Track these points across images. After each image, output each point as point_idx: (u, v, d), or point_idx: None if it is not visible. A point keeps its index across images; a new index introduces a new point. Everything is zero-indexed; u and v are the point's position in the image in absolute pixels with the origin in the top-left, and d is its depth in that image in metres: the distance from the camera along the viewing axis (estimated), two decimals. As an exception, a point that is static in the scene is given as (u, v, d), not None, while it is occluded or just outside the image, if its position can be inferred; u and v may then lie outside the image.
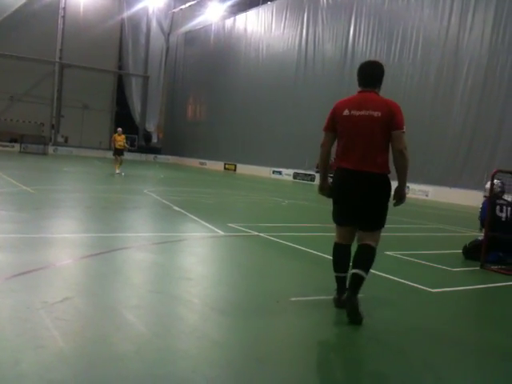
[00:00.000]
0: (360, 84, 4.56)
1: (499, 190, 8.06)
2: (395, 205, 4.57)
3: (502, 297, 6.17)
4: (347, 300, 4.35)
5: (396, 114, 4.31)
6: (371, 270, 6.31)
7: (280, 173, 32.14)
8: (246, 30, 38.07)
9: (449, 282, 6.60)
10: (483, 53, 21.69)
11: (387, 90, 23.97)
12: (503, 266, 7.24)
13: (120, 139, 21.71)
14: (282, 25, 34.17)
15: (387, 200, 4.45)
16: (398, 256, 7.66)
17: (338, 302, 4.61)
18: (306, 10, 31.88)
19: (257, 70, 36.06)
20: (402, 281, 6.02)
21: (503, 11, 21.14)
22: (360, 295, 5.12)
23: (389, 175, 4.44)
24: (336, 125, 4.50)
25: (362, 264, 4.41)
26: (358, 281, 4.38)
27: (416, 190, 23.76)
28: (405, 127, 4.33)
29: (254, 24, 37.13)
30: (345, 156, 4.43)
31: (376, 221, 4.46)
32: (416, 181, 23.78)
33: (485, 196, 8.25)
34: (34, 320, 3.75)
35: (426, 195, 23.26)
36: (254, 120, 35.20)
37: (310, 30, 31.45)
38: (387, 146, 4.39)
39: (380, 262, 7.01)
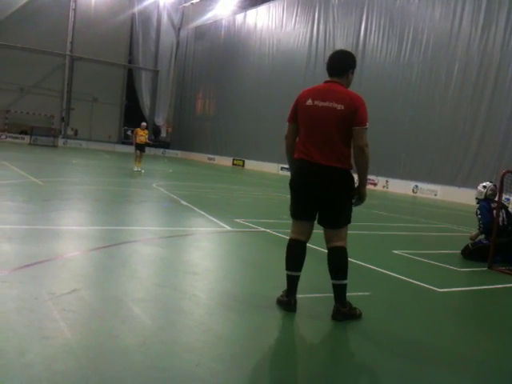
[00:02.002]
0: (327, 72, 4.39)
1: (491, 192, 7.95)
2: (355, 204, 4.37)
3: (508, 298, 6.13)
4: (337, 314, 4.20)
5: (359, 109, 4.11)
6: (379, 269, 6.35)
7: (288, 169, 32.02)
8: (256, 25, 37.96)
9: (456, 282, 6.59)
10: (494, 53, 21.52)
11: (396, 88, 23.98)
12: (511, 268, 7.18)
13: (143, 134, 20.96)
14: (293, 21, 34.05)
15: (350, 196, 4.28)
16: (406, 255, 7.64)
17: (288, 305, 4.33)
18: (317, 6, 31.73)
19: (267, 66, 35.98)
20: (409, 280, 6.00)
21: (516, 11, 20.98)
22: (366, 293, 5.14)
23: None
24: (298, 115, 4.32)
25: (340, 273, 4.21)
26: (342, 290, 4.22)
27: (425, 190, 23.69)
28: (368, 124, 4.14)
29: (265, 19, 37.01)
30: (305, 148, 4.23)
31: (341, 217, 4.25)
32: (425, 180, 23.72)
33: (477, 198, 8.14)
34: (41, 311, 3.78)
35: (435, 194, 23.17)
36: (263, 116, 35.14)
37: (321, 27, 31.31)
38: (349, 141, 4.19)
39: (387, 261, 7.03)
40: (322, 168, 4.14)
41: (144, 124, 21.90)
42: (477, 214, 7.86)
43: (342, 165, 4.17)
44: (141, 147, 20.93)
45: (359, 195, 4.34)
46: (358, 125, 4.11)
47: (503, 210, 7.80)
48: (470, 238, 7.96)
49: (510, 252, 7.63)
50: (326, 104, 4.15)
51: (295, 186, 4.38)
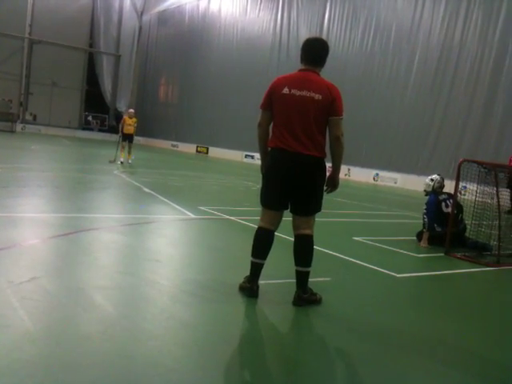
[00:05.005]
0: (305, 61, 4.32)
1: (438, 185, 8.16)
2: (328, 192, 4.48)
3: (463, 283, 6.35)
4: (298, 300, 4.30)
5: (336, 100, 4.17)
6: (339, 255, 6.47)
7: (252, 157, 32.08)
8: (220, 11, 37.60)
9: (414, 267, 6.78)
10: (454, 44, 21.95)
11: (359, 77, 24.14)
12: (467, 253, 7.41)
13: (131, 122, 18.73)
14: (257, 8, 33.86)
15: (323, 184, 4.38)
16: (365, 241, 7.80)
17: (250, 291, 4.40)
18: (281, -6, 31.70)
19: (230, 53, 35.75)
20: (369, 265, 6.14)
21: (475, 4, 21.39)
22: (327, 279, 5.24)
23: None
24: (273, 103, 4.32)
25: (306, 260, 4.32)
26: (305, 277, 4.33)
27: (385, 178, 24.10)
28: (343, 113, 4.21)
29: (229, 6, 36.69)
30: (282, 137, 4.25)
31: (313, 205, 4.33)
32: (385, 168, 24.13)
33: (425, 190, 8.36)
34: (0, 299, 3.72)
35: (395, 182, 23.60)
36: (227, 103, 34.99)
37: (285, 15, 31.28)
38: (325, 130, 4.27)
39: (348, 247, 7.16)
40: (300, 157, 4.19)
41: (131, 111, 19.86)
42: (423, 212, 7.95)
43: (320, 154, 4.24)
44: (129, 137, 18.82)
45: (333, 183, 4.45)
46: (334, 115, 4.18)
47: (450, 200, 8.00)
48: (420, 240, 8.03)
49: (463, 239, 7.90)
50: (304, 93, 4.17)
51: (271, 175, 4.39)
